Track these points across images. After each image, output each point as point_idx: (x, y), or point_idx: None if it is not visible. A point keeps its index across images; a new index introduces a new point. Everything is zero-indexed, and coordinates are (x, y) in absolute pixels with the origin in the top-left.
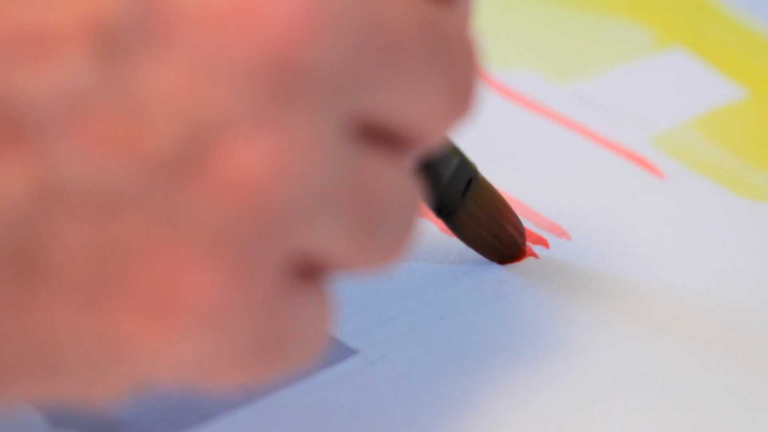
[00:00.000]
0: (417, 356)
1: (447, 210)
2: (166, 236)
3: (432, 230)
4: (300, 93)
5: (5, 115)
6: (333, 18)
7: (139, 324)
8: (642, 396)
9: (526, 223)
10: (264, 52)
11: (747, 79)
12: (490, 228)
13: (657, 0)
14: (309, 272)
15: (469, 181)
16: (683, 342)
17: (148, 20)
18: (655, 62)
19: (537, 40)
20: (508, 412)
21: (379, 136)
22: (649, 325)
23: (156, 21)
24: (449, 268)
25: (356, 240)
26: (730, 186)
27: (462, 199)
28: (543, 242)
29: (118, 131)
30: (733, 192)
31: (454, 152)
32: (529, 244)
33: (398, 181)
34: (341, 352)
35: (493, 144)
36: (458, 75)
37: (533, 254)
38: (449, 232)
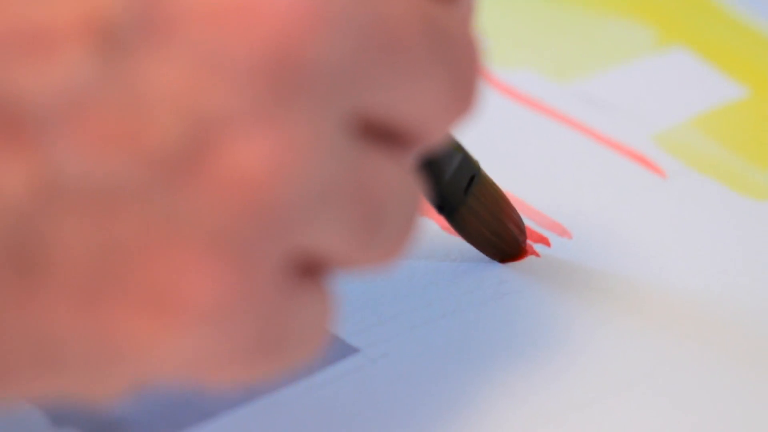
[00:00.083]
0: (417, 355)
1: (449, 207)
2: (166, 234)
3: (433, 228)
4: (300, 90)
5: (5, 112)
6: (334, 15)
7: (140, 322)
8: (643, 395)
9: (528, 222)
10: (264, 49)
11: (748, 78)
12: (491, 225)
13: None
14: (310, 270)
15: (472, 178)
16: (684, 341)
17: (148, 17)
18: (656, 61)
19: (539, 39)
20: (509, 411)
21: (380, 134)
22: (650, 324)
23: (156, 18)
24: (450, 267)
25: (357, 238)
26: (732, 185)
27: (464, 196)
28: (544, 241)
29: (118, 128)
30: (734, 191)
31: (457, 149)
32: (530, 242)
33: (399, 179)
34: (342, 350)
35: (495, 143)
36: (460, 73)
37: (534, 253)
38: (450, 230)
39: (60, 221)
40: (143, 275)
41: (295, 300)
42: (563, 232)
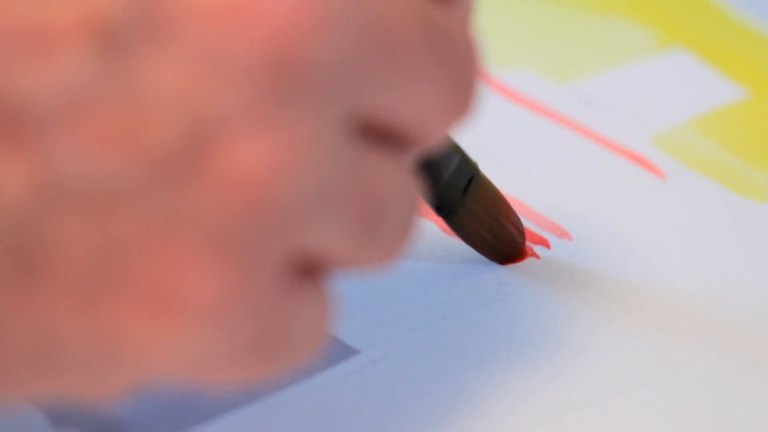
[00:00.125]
0: (418, 356)
1: (447, 208)
2: (166, 234)
3: (433, 230)
4: (300, 91)
5: (5, 113)
6: (334, 16)
7: (139, 322)
8: (643, 395)
9: (527, 224)
10: (264, 49)
11: (747, 79)
12: (490, 227)
13: (658, 0)
14: (309, 270)
15: (470, 180)
16: (684, 342)
17: (148, 17)
18: (655, 62)
19: (538, 40)
20: (509, 413)
21: (379, 135)
22: (650, 325)
23: (156, 18)
24: (450, 269)
25: (356, 238)
26: (731, 186)
27: (463, 197)
28: (544, 243)
29: (118, 128)
30: (733, 192)
31: (456, 150)
32: (530, 244)
33: (398, 179)
34: (342, 351)
35: (495, 144)
36: (459, 74)
37: (534, 255)
38: (450, 232)
39: (60, 221)
40: (143, 275)
41: (295, 300)
42: (563, 234)
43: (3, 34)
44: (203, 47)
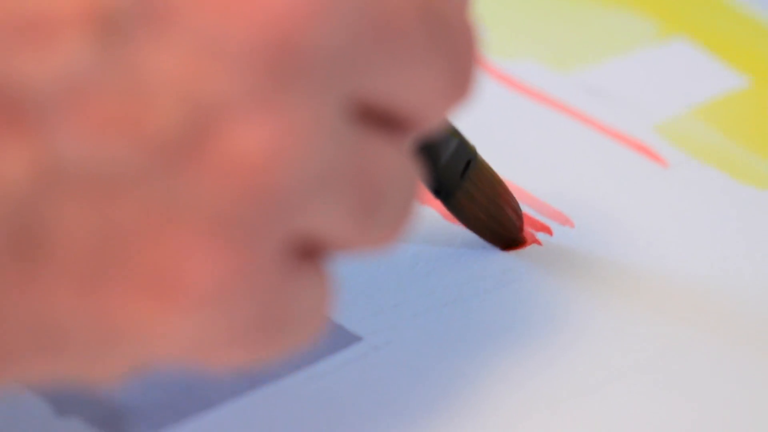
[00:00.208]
0: (420, 343)
1: (445, 191)
2: (167, 218)
3: (435, 217)
4: (300, 75)
5: (7, 99)
6: (333, 1)
7: (140, 305)
8: (645, 382)
9: (530, 211)
10: (264, 34)
11: (749, 68)
12: (488, 210)
13: None
14: (309, 253)
15: (468, 163)
16: (686, 328)
17: (147, 4)
18: (657, 51)
19: (540, 30)
20: (512, 399)
21: (378, 119)
22: (652, 311)
23: (156, 5)
24: (453, 255)
25: (356, 221)
26: (733, 174)
27: (461, 181)
28: (546, 230)
29: (118, 113)
30: (735, 180)
31: (454, 134)
32: (532, 231)
33: (398, 163)
34: (344, 338)
35: (498, 133)
36: (457, 58)
37: (536, 241)
38: (452, 218)
39: (61, 206)
40: (144, 259)
41: (295, 282)
42: (565, 221)
43: (3, 21)
44: (203, 33)
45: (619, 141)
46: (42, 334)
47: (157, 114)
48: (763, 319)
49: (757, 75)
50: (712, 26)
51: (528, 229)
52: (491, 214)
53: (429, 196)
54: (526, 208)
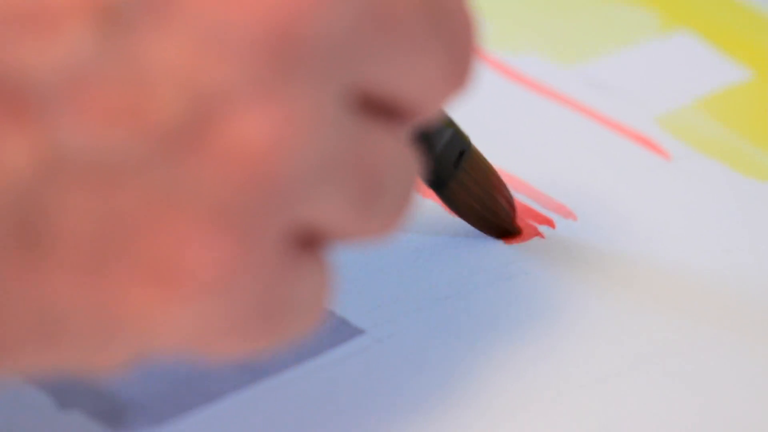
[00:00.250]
0: (423, 336)
1: (439, 180)
2: (169, 207)
3: (437, 209)
4: (301, 64)
5: (9, 88)
6: None
7: (141, 294)
8: (648, 375)
9: (533, 204)
10: (265, 23)
11: (752, 61)
12: (481, 199)
13: None
14: (309, 243)
15: (462, 153)
16: (689, 321)
17: None
18: (660, 44)
19: (543, 22)
20: (514, 392)
21: (378, 108)
22: (655, 304)
23: None
24: (456, 248)
25: (356, 210)
26: (736, 166)
27: (454, 170)
28: (549, 222)
29: (120, 103)
30: (738, 172)
31: (448, 124)
32: (535, 224)
33: (397, 152)
34: (347, 331)
35: (501, 126)
36: (456, 48)
37: (539, 234)
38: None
39: (63, 195)
40: (145, 248)
41: (295, 271)
42: (568, 214)
43: (5, 11)
44: (204, 23)
45: (622, 134)
46: (43, 322)
47: (158, 103)
48: (766, 310)
49: (759, 68)
50: (714, 19)
51: (531, 222)
52: (484, 204)
53: (430, 191)
54: (528, 201)
